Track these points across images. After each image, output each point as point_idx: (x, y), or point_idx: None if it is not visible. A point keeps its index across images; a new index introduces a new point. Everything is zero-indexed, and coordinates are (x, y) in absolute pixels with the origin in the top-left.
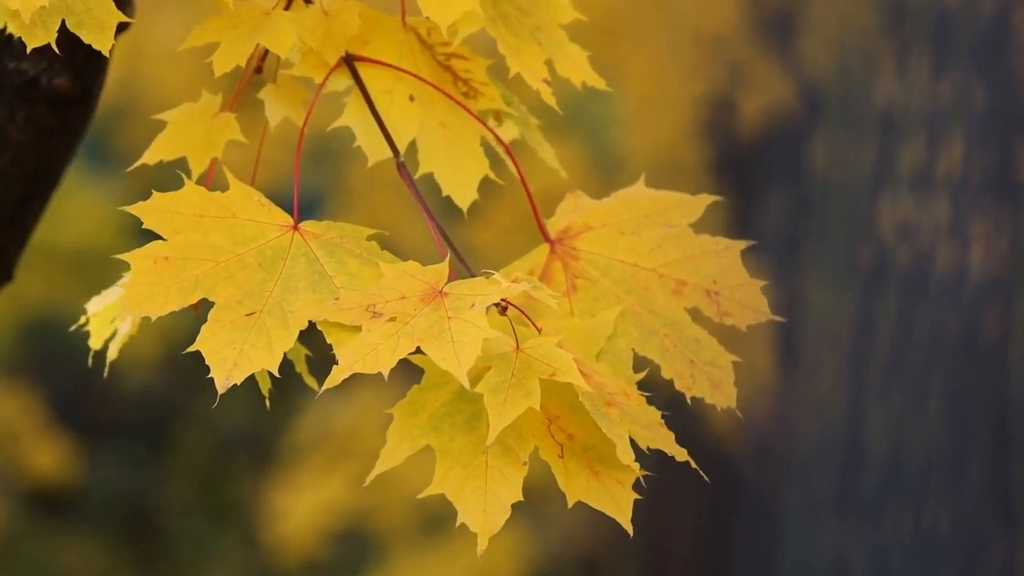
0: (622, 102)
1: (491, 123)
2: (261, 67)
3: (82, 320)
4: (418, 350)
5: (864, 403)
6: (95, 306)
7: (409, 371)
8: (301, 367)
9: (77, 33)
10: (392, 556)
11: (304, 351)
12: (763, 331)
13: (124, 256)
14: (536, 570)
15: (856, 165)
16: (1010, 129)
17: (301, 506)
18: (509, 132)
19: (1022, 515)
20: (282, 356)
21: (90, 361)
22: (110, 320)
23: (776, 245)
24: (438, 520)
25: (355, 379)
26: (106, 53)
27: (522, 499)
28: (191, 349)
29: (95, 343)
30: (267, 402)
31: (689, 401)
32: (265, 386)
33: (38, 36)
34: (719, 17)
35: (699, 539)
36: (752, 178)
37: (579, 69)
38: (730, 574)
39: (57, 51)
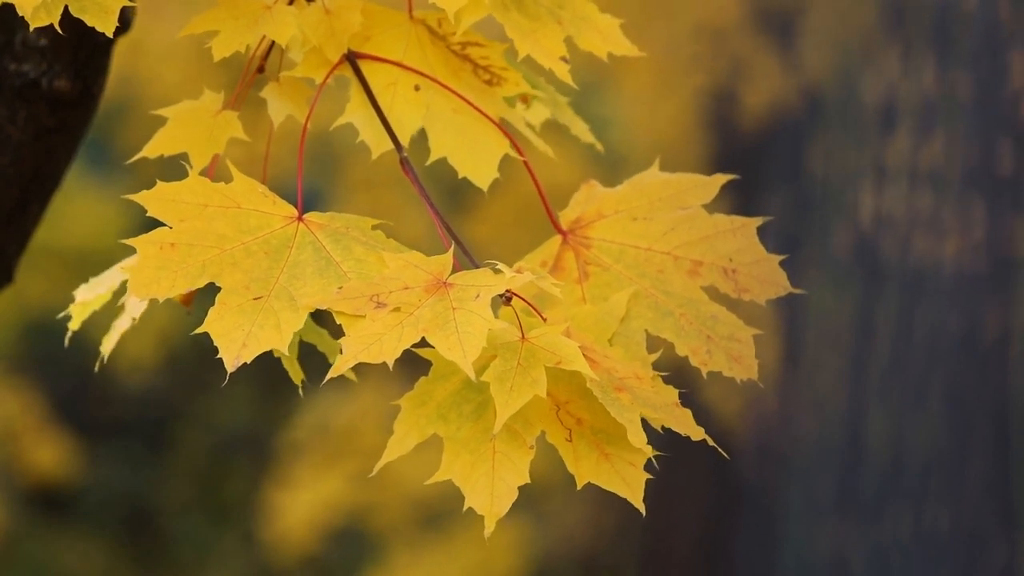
0: (622, 96)
1: (519, 107)
2: (263, 66)
3: (69, 308)
4: (423, 341)
5: (864, 403)
6: (84, 294)
7: (409, 370)
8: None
9: (80, 17)
10: (391, 553)
11: (339, 344)
12: (764, 331)
13: (130, 241)
14: (536, 569)
15: (857, 164)
16: (1013, 129)
17: (300, 504)
18: (539, 114)
19: (1022, 515)
20: (291, 336)
21: (66, 341)
22: (93, 304)
23: (776, 245)
24: (437, 517)
25: (355, 376)
26: (110, 35)
27: (529, 481)
28: (199, 331)
29: (74, 324)
30: (300, 391)
31: (705, 376)
32: (298, 376)
33: (41, 19)
34: (719, 11)
35: (699, 538)
36: (752, 177)
37: (608, 40)
38: (730, 574)
39: (60, 31)
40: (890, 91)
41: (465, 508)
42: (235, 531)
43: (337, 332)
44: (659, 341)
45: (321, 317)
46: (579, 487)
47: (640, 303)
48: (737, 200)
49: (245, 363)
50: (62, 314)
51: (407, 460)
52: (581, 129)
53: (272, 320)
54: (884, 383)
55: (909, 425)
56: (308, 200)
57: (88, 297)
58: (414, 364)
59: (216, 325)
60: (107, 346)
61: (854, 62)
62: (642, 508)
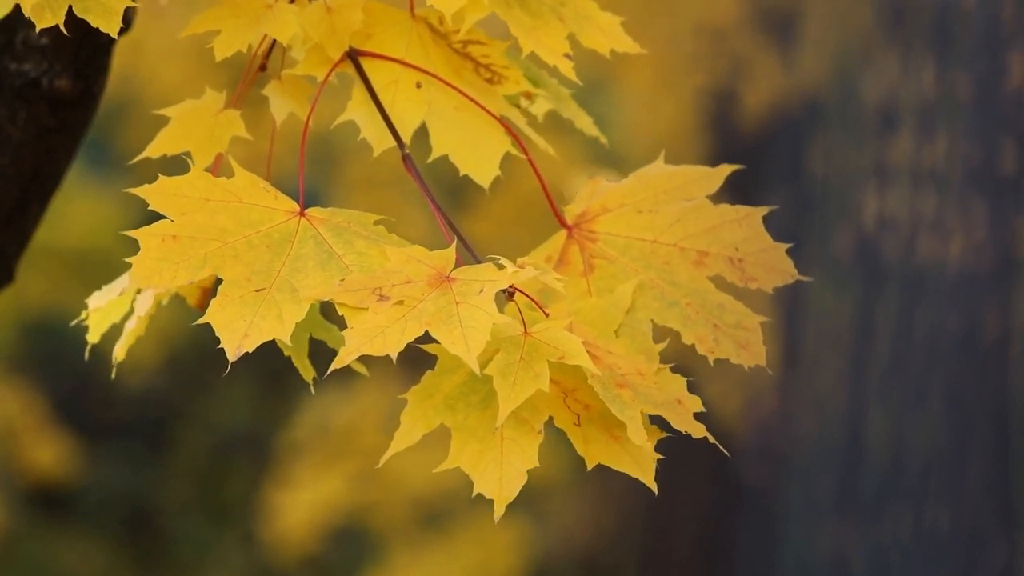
0: (622, 96)
1: (523, 103)
2: (265, 65)
3: (83, 315)
4: (426, 335)
5: (864, 403)
6: (96, 301)
7: (409, 371)
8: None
9: (84, 17)
10: (391, 553)
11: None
12: (764, 331)
13: (132, 232)
14: (536, 569)
15: (857, 164)
16: (1014, 129)
17: (300, 504)
18: (541, 108)
19: (1022, 515)
20: (293, 327)
21: (87, 354)
22: (112, 315)
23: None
24: (437, 517)
25: (353, 376)
26: (114, 36)
27: (538, 464)
28: (200, 322)
29: (93, 337)
30: (311, 388)
31: (712, 363)
32: (308, 374)
33: (46, 18)
34: (719, 10)
35: (699, 538)
36: (752, 177)
37: (610, 37)
38: (730, 574)
39: (65, 32)
40: (890, 91)
41: (474, 494)
42: (235, 531)
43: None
44: (665, 332)
45: (331, 315)
46: (589, 468)
47: (646, 294)
48: (737, 200)
49: (246, 361)
50: (75, 321)
51: (408, 460)
52: (585, 123)
53: (274, 311)
54: (884, 383)
55: (909, 425)
56: (307, 200)
57: (100, 303)
58: (415, 364)
59: (218, 316)
60: (120, 350)
61: (854, 62)
62: (654, 486)
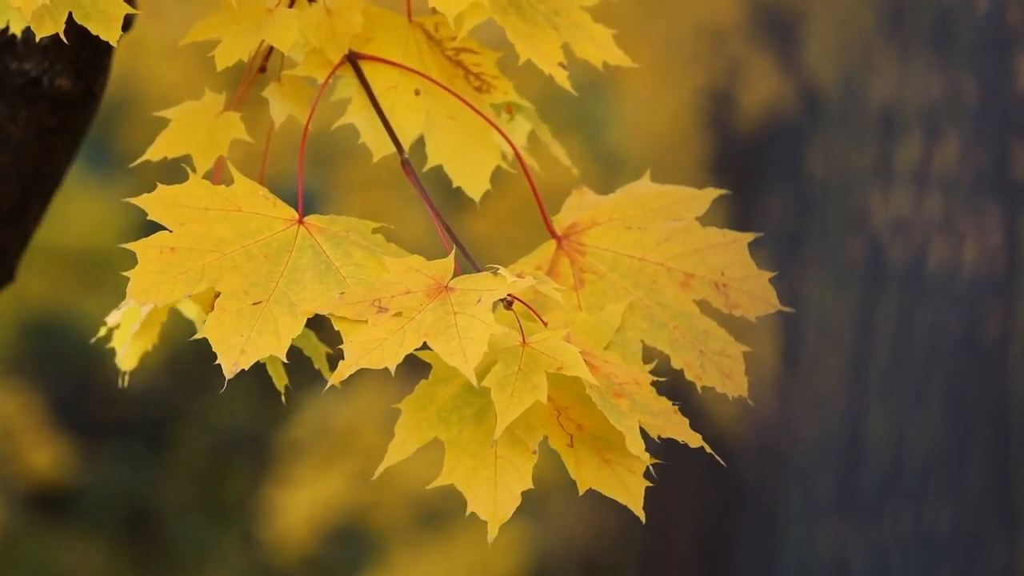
0: (621, 96)
1: (504, 117)
2: (265, 66)
3: (102, 332)
4: (424, 345)
5: (864, 402)
6: (115, 318)
7: (410, 370)
8: (321, 364)
9: (84, 25)
10: (391, 553)
11: (325, 348)
12: (764, 330)
13: (130, 246)
14: (536, 569)
15: (857, 164)
16: (1017, 130)
17: (300, 503)
18: (522, 126)
19: (1022, 515)
20: (289, 343)
21: (124, 382)
22: (142, 342)
23: (776, 244)
24: (437, 517)
25: (355, 375)
26: (114, 44)
27: (532, 487)
28: (197, 337)
29: (126, 364)
30: (283, 397)
31: (700, 390)
32: (281, 382)
33: (46, 27)
34: (719, 11)
35: (699, 538)
36: (752, 177)
37: (602, 49)
38: (730, 574)
39: (66, 41)
40: (891, 92)
41: (468, 513)
42: (235, 531)
43: (329, 336)
44: (655, 352)
45: (313, 321)
46: (580, 493)
47: (635, 314)
48: (737, 200)
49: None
50: (95, 339)
51: (407, 460)
52: (559, 152)
53: (271, 326)
54: (884, 383)
55: (909, 425)
56: (305, 201)
57: (117, 319)
58: (415, 364)
59: (215, 331)
60: (131, 358)
61: (855, 63)
62: (642, 515)
